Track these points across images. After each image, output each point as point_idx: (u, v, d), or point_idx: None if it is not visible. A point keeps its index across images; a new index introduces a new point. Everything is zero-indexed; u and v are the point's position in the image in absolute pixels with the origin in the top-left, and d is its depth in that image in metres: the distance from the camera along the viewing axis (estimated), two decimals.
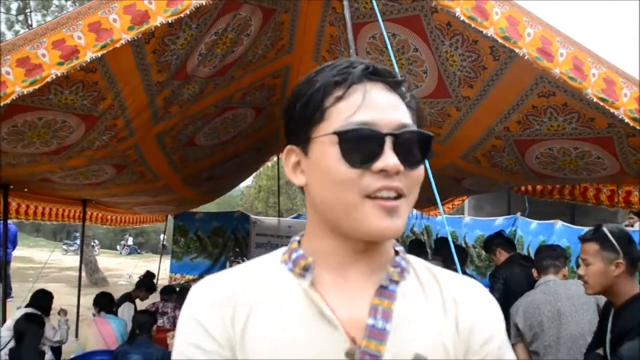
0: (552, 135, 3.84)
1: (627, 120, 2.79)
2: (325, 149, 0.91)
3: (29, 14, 15.25)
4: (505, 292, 4.84)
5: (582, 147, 3.88)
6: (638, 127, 2.79)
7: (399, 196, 0.90)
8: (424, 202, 8.87)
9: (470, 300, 1.01)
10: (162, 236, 14.70)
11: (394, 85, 0.96)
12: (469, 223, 10.76)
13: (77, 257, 9.52)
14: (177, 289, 7.63)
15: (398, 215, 0.90)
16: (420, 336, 0.94)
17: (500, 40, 2.79)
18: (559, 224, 8.47)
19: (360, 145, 0.89)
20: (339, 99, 0.92)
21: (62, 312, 6.15)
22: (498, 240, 5.57)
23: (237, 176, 9.96)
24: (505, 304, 3.84)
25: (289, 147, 1.00)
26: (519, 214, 9.40)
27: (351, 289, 0.96)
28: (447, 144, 4.63)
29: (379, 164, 0.88)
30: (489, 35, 2.79)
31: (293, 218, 13.04)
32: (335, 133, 0.90)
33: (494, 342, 0.98)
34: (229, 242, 11.02)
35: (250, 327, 0.92)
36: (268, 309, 0.93)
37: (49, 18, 15.16)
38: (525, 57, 2.79)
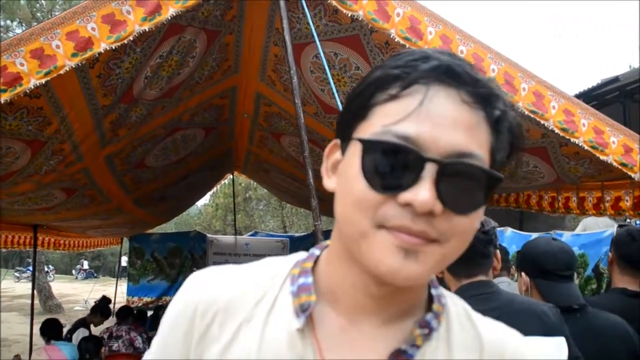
0: None
1: (557, 130, 2.95)
2: (352, 156, 0.72)
3: None
4: None
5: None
6: (567, 137, 2.96)
7: (428, 239, 0.67)
8: None
9: None
10: (119, 259, 14.44)
11: (478, 96, 0.69)
12: None
13: (30, 284, 9.27)
14: (135, 311, 7.54)
15: (417, 260, 0.67)
16: None
17: None
18: (509, 230, 8.72)
19: (387, 165, 0.67)
20: (392, 97, 0.70)
21: (16, 358, 6.01)
22: None
23: (192, 195, 9.92)
24: None
25: (334, 141, 0.80)
26: None
27: (358, 342, 0.77)
28: None
29: (406, 196, 0.66)
30: None
31: (250, 235, 13.02)
32: (360, 140, 0.70)
33: None
34: (186, 262, 10.96)
35: (232, 349, 0.78)
36: (254, 336, 0.78)
37: None
38: None
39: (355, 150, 0.71)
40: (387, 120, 0.69)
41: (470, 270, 2.00)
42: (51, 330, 5.68)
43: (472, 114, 0.69)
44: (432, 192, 0.65)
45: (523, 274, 2.44)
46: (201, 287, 0.83)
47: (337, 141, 0.79)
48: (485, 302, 1.93)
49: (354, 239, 0.71)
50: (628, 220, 6.17)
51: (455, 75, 0.68)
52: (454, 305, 0.84)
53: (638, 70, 6.03)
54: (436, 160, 0.66)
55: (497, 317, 1.89)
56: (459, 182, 0.67)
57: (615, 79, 6.05)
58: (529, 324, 1.85)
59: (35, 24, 14.75)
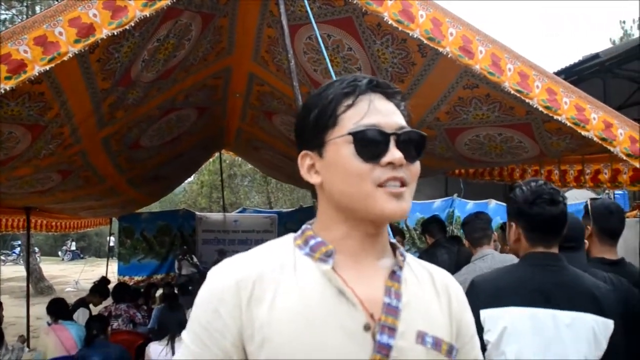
0: (478, 124, 4.17)
1: (540, 108, 3.11)
2: (339, 148, 1.08)
3: None
4: None
5: (505, 133, 4.23)
6: (550, 114, 3.12)
7: (403, 185, 1.07)
8: None
9: (457, 292, 1.23)
10: (109, 238, 14.48)
11: (390, 95, 1.14)
12: None
13: (17, 267, 9.35)
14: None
15: (403, 200, 1.07)
16: (421, 315, 1.11)
17: (425, 41, 3.06)
18: (493, 202, 8.97)
19: (370, 144, 1.06)
20: (349, 106, 1.10)
21: (21, 338, 6.13)
22: (426, 227, 5.80)
23: (182, 174, 10.01)
24: None
25: (303, 152, 1.16)
26: (455, 195, 9.86)
27: (365, 272, 1.11)
28: None
29: (386, 158, 1.06)
30: (415, 36, 3.05)
31: (238, 212, 13.14)
32: (349, 133, 1.07)
33: (476, 337, 1.25)
34: (175, 240, 11.01)
35: (277, 305, 1.03)
36: (290, 288, 1.05)
37: None
38: (449, 56, 3.07)
39: (340, 144, 1.08)
40: (354, 120, 1.09)
41: (549, 240, 2.20)
42: (58, 310, 5.80)
43: (391, 105, 1.14)
44: (399, 152, 1.06)
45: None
46: (232, 269, 1.09)
47: (306, 152, 1.15)
48: (554, 274, 2.14)
49: (361, 201, 1.07)
50: (606, 191, 6.41)
51: (379, 85, 1.13)
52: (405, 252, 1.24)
53: (617, 47, 6.20)
54: (394, 133, 1.08)
55: (559, 293, 2.07)
56: (407, 143, 1.09)
57: (596, 56, 6.21)
58: (587, 305, 2.06)
59: (15, 3, 14.56)
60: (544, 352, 2.02)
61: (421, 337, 1.08)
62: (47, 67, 2.80)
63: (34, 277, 16.78)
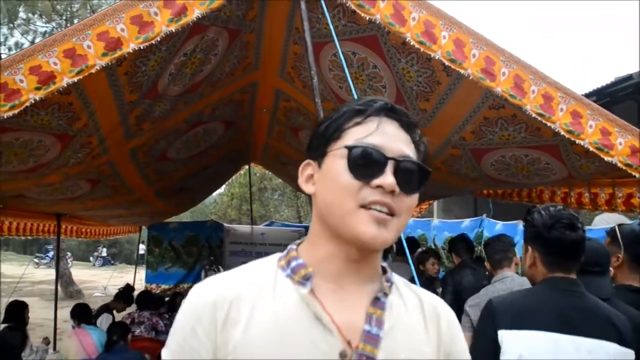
0: (504, 144, 4.11)
1: (562, 132, 3.06)
2: (335, 160, 1.06)
3: None
4: (455, 296, 4.93)
5: (531, 155, 4.16)
6: (573, 139, 3.06)
7: (391, 214, 1.02)
8: None
9: (448, 320, 1.17)
10: (138, 246, 14.68)
11: (407, 125, 1.10)
12: (437, 225, 11.06)
13: (50, 271, 9.55)
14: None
15: (386, 229, 1.02)
16: (405, 344, 1.06)
17: (447, 63, 3.03)
18: (522, 224, 8.79)
19: (365, 162, 1.03)
20: (357, 124, 1.08)
21: (45, 340, 6.24)
22: (453, 245, 5.70)
23: (209, 186, 10.10)
24: (455, 308, 3.95)
25: (306, 161, 1.14)
26: (484, 215, 9.73)
27: (347, 298, 1.07)
28: None
29: (377, 181, 1.01)
30: (436, 58, 3.03)
31: (266, 225, 13.18)
32: (346, 147, 1.04)
33: None
34: (203, 250, 11.09)
35: (252, 327, 1.01)
36: (267, 310, 1.03)
37: (15, 32, 15.08)
38: (470, 78, 3.04)
39: (337, 156, 1.06)
40: (357, 136, 1.06)
41: (568, 265, 2.17)
42: (81, 314, 5.90)
43: (405, 134, 1.09)
44: (393, 178, 1.02)
45: None
46: (211, 289, 1.07)
47: (309, 161, 1.14)
48: (574, 300, 2.11)
49: (341, 217, 1.03)
50: None
51: (394, 110, 1.10)
52: (396, 276, 1.19)
53: None
54: (394, 158, 1.04)
55: (579, 319, 2.02)
56: (406, 173, 1.04)
57: (629, 77, 6.09)
58: (607, 333, 2.02)
59: (55, 16, 14.98)
60: None
61: None
62: (75, 79, 2.86)
63: (63, 281, 17.09)
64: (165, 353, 1.06)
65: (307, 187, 1.13)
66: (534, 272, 2.28)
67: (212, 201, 33.75)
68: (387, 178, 1.02)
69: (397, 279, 1.18)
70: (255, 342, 1.00)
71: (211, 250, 11.06)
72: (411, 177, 1.05)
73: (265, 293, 1.06)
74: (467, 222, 10.48)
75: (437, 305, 1.19)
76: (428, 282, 5.88)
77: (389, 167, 1.03)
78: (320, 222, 1.11)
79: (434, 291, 5.33)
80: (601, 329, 2.03)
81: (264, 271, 1.11)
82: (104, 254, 32.64)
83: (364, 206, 1.02)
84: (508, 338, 2.05)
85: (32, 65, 2.82)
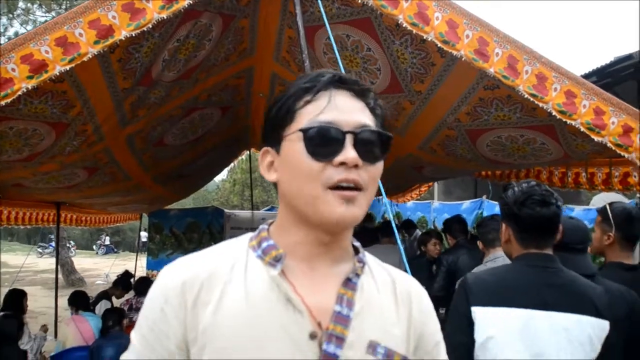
0: (500, 125, 4.10)
1: (554, 113, 3.05)
2: (293, 145, 1.03)
3: None
4: (449, 277, 4.99)
5: (527, 135, 4.15)
6: (564, 120, 3.05)
7: (357, 189, 1.00)
8: (393, 190, 9.13)
9: (420, 301, 1.17)
10: (139, 234, 14.74)
11: (359, 93, 1.07)
12: (437, 207, 11.10)
13: (53, 260, 9.57)
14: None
15: (355, 205, 1.00)
16: (375, 325, 1.06)
17: (439, 44, 3.02)
18: None
19: (323, 141, 1.00)
20: (308, 102, 1.05)
21: (43, 328, 6.29)
22: (448, 227, 5.77)
23: (209, 172, 10.09)
24: (450, 288, 3.92)
25: (264, 148, 1.12)
26: (484, 197, 9.76)
27: (318, 279, 1.06)
28: (405, 136, 4.87)
29: (339, 158, 0.99)
30: (429, 39, 3.02)
31: (266, 210, 13.21)
32: (300, 130, 1.01)
33: (441, 344, 1.19)
34: (204, 237, 11.11)
35: (222, 308, 1.00)
36: (238, 291, 1.01)
37: (15, 22, 14.99)
38: (463, 59, 3.03)
39: (293, 140, 1.03)
40: (310, 116, 1.03)
41: (541, 242, 2.17)
42: (79, 301, 5.95)
43: (358, 102, 1.07)
44: (355, 152, 1.00)
45: None
46: (181, 269, 1.05)
47: (267, 148, 1.11)
48: (549, 275, 2.11)
49: (308, 202, 1.01)
50: (638, 195, 6.24)
51: (343, 80, 1.07)
52: (369, 256, 1.18)
53: None
54: (351, 131, 1.02)
55: (555, 294, 2.04)
56: (367, 143, 1.02)
57: (629, 57, 6.05)
58: (583, 306, 2.04)
59: (54, 5, 14.89)
60: (538, 354, 1.99)
61: (372, 348, 1.04)
62: (68, 67, 2.86)
63: (65, 269, 17.19)
64: (134, 334, 1.06)
65: (270, 175, 1.11)
66: (509, 248, 2.29)
67: (215, 187, 33.81)
68: (349, 153, 1.00)
69: (369, 259, 1.17)
70: (225, 324, 0.99)
71: (212, 236, 11.09)
72: (373, 146, 1.04)
73: (235, 274, 1.04)
74: (467, 203, 10.51)
75: (409, 285, 1.19)
76: (429, 264, 5.90)
77: (348, 141, 1.01)
78: (288, 207, 1.09)
79: (435, 273, 5.36)
80: (577, 303, 2.04)
81: (235, 252, 1.09)
82: (107, 242, 32.76)
83: (331, 187, 1.00)
84: (481, 315, 2.05)
85: (23, 54, 2.81)
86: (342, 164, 0.99)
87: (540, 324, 2.02)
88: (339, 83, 1.07)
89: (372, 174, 1.04)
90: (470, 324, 2.05)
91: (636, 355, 2.30)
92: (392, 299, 1.13)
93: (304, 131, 1.01)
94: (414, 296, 1.17)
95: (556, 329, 2.01)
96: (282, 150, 1.06)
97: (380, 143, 1.05)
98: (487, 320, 2.04)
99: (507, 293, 2.08)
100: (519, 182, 2.26)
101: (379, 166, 1.06)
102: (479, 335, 2.03)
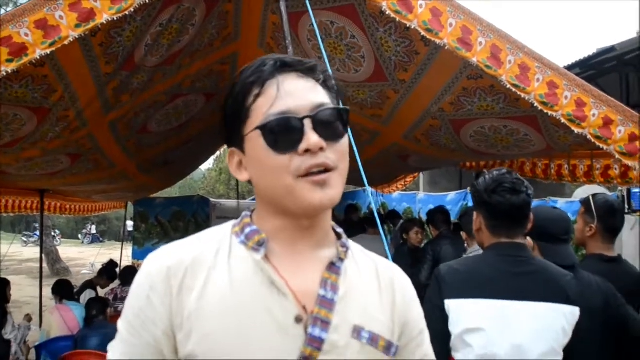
0: (483, 115, 4.12)
1: (536, 104, 3.06)
2: (254, 143, 1.02)
3: None
4: (435, 266, 5.04)
5: (510, 126, 4.17)
6: (545, 111, 3.07)
7: (328, 170, 1.00)
8: (378, 179, 9.15)
9: (403, 287, 1.17)
10: (127, 223, 14.66)
11: (306, 71, 1.05)
12: (422, 199, 11.15)
13: (38, 249, 9.50)
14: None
15: (330, 187, 1.00)
16: (359, 309, 1.06)
17: (422, 33, 3.01)
18: None
19: (282, 134, 0.99)
20: (257, 96, 1.03)
21: (27, 317, 6.25)
22: (430, 218, 5.83)
23: (194, 160, 10.04)
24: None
25: (230, 149, 1.11)
26: (469, 188, 9.80)
27: (302, 263, 1.06)
28: (389, 125, 4.88)
29: (302, 146, 0.98)
30: (412, 27, 3.01)
31: (252, 200, 13.19)
32: (257, 128, 1.01)
33: (425, 331, 1.20)
34: (189, 225, 11.09)
35: (207, 294, 1.00)
36: (222, 277, 1.01)
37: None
38: (446, 48, 3.03)
39: (254, 139, 1.02)
40: (264, 109, 1.02)
41: (512, 230, 2.18)
42: (63, 290, 5.91)
43: (308, 82, 1.05)
44: (316, 135, 0.99)
45: (527, 237, 2.68)
46: (165, 256, 1.05)
47: (232, 149, 1.11)
48: (520, 265, 2.12)
49: (284, 195, 1.01)
50: (619, 189, 6.30)
51: (287, 64, 1.05)
52: (352, 242, 1.18)
53: (636, 39, 6.06)
54: (308, 116, 1.00)
55: (526, 283, 2.06)
56: (326, 123, 1.01)
57: (612, 49, 6.08)
58: (554, 294, 2.05)
59: None
60: (514, 344, 2.00)
61: (357, 332, 1.04)
62: (48, 51, 2.80)
63: (50, 258, 17.09)
64: (121, 322, 1.05)
65: (241, 175, 1.11)
66: (481, 237, 2.31)
67: (201, 176, 33.68)
68: (311, 139, 0.99)
69: (352, 244, 1.17)
70: (210, 309, 0.99)
71: (198, 225, 11.06)
72: (333, 124, 1.03)
73: (219, 260, 1.05)
74: (452, 195, 10.57)
75: (392, 272, 1.19)
76: (410, 252, 5.94)
77: (308, 126, 1.00)
78: (265, 201, 1.09)
79: (417, 261, 5.39)
80: (549, 291, 2.06)
81: (218, 238, 1.09)
82: (94, 231, 32.55)
83: (302, 175, 0.99)
84: (454, 307, 2.06)
85: (2, 37, 2.76)
86: (307, 150, 0.99)
87: (514, 314, 2.03)
88: (284, 67, 1.05)
89: (339, 151, 1.03)
90: (444, 316, 2.06)
91: (611, 344, 2.33)
92: (376, 285, 1.13)
93: (261, 128, 1.01)
94: (397, 283, 1.17)
95: (530, 318, 2.02)
96: (246, 150, 1.06)
97: (340, 118, 1.05)
98: (462, 313, 2.05)
99: (479, 284, 2.09)
100: (491, 170, 2.26)
101: (344, 142, 1.05)
102: (455, 327, 2.04)
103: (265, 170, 1.03)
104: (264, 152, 1.01)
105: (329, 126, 1.02)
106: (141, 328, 1.01)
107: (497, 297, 2.05)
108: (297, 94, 1.02)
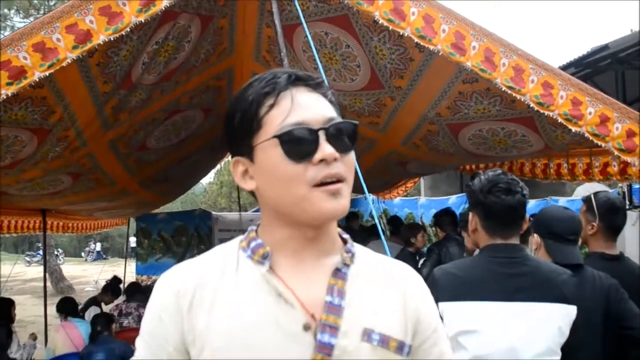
0: (480, 118, 4.14)
1: (532, 104, 3.09)
2: (268, 152, 1.04)
3: None
4: (436, 266, 5.07)
5: (508, 127, 4.20)
6: (542, 111, 3.09)
7: (340, 181, 1.04)
8: (379, 187, 9.17)
9: (414, 287, 1.19)
10: (127, 239, 14.66)
11: (315, 86, 1.10)
12: (424, 203, 11.15)
13: (41, 268, 9.52)
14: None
15: (341, 197, 1.04)
16: (368, 312, 1.08)
17: (416, 40, 3.04)
18: None
19: (299, 143, 1.02)
20: (271, 107, 1.05)
21: (32, 336, 6.25)
22: (437, 220, 5.88)
23: (195, 175, 10.06)
24: None
25: (235, 158, 1.13)
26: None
27: (307, 272, 1.08)
28: (387, 132, 4.91)
29: (318, 156, 1.02)
30: (406, 35, 3.04)
31: (254, 212, 13.19)
32: (275, 137, 1.03)
33: (440, 330, 1.20)
34: (192, 240, 11.07)
35: (215, 310, 1.04)
36: (230, 292, 1.05)
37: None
38: (440, 53, 3.06)
39: (268, 148, 1.04)
40: (278, 120, 1.04)
41: (507, 231, 2.18)
42: (67, 308, 5.93)
43: (318, 96, 1.09)
44: (331, 147, 1.03)
45: (535, 235, 2.69)
46: (175, 278, 1.10)
47: (239, 158, 1.12)
48: (514, 266, 2.12)
49: (294, 203, 1.04)
50: (620, 185, 6.32)
51: (300, 78, 1.09)
52: (359, 246, 1.20)
53: (629, 36, 6.10)
54: (322, 128, 1.04)
55: (521, 284, 2.06)
56: (338, 136, 1.05)
57: (605, 47, 6.12)
58: (549, 294, 2.05)
59: (32, 11, 14.78)
60: (505, 345, 2.01)
61: (367, 335, 1.06)
62: (47, 73, 2.83)
63: (54, 277, 17.08)
64: (139, 341, 1.11)
65: (247, 185, 1.13)
66: (477, 238, 2.31)
67: (202, 190, 33.67)
68: (326, 149, 1.02)
69: (360, 249, 1.19)
70: (219, 324, 1.03)
71: (200, 239, 11.05)
72: (343, 137, 1.07)
73: (227, 276, 1.08)
74: (453, 198, 10.58)
75: (402, 271, 1.21)
76: (412, 255, 5.97)
77: (322, 138, 1.04)
78: (271, 211, 1.11)
79: (424, 261, 5.43)
80: (544, 291, 2.06)
81: (226, 254, 1.13)
82: (98, 248, 32.54)
83: (317, 184, 1.02)
84: (448, 310, 2.06)
85: (1, 61, 2.79)
86: (322, 160, 1.02)
87: (508, 315, 2.04)
88: (297, 81, 1.09)
89: (348, 163, 1.07)
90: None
91: (613, 340, 2.34)
92: (385, 285, 1.15)
93: (279, 137, 1.03)
94: (408, 282, 1.19)
95: (525, 318, 2.03)
96: (257, 159, 1.08)
97: (349, 132, 1.08)
98: (455, 315, 2.06)
99: (473, 286, 2.10)
100: (485, 171, 2.28)
101: (352, 155, 1.09)
102: (449, 329, 2.04)
103: (278, 179, 1.05)
104: (279, 160, 1.03)
105: (340, 139, 1.06)
106: (155, 346, 1.08)
107: (491, 299, 2.06)
108: (310, 106, 1.07)
